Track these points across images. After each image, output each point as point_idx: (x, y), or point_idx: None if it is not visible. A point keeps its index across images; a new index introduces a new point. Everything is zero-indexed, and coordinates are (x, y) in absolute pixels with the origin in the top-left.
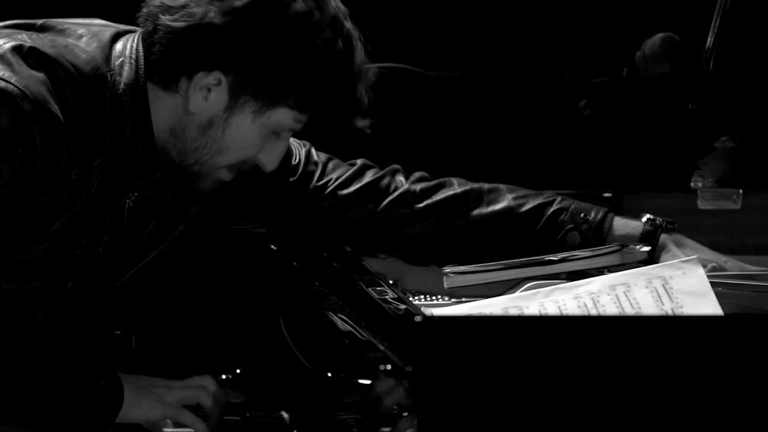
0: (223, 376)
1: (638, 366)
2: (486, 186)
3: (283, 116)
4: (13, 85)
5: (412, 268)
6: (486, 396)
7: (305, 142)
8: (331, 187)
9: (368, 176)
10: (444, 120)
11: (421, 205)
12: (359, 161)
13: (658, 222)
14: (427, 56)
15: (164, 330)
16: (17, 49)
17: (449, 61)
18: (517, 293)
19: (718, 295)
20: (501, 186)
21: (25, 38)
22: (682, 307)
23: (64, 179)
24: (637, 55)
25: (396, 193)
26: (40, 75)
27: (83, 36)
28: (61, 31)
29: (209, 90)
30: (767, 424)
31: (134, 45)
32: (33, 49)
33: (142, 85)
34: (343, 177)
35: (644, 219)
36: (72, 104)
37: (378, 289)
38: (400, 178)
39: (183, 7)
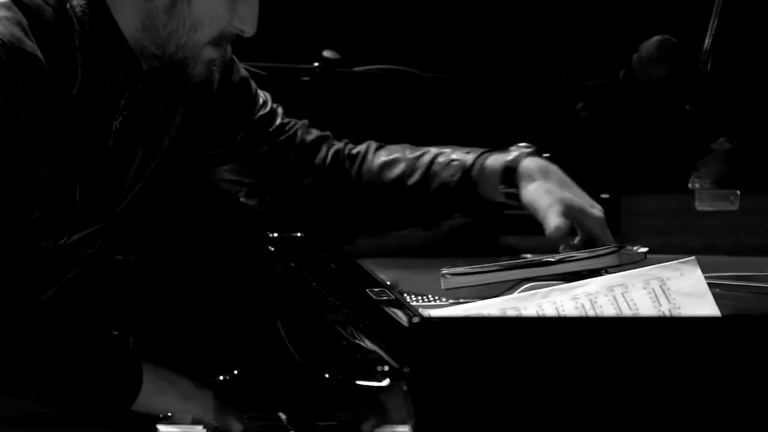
0: (221, 377)
1: (636, 367)
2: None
3: None
4: None
5: (410, 270)
6: (484, 397)
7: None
8: (292, 129)
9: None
10: (440, 122)
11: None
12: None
13: (525, 150)
14: (422, 58)
15: (162, 331)
16: None
17: (445, 62)
18: (515, 294)
19: (715, 296)
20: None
21: None
22: (679, 308)
23: (50, 117)
24: (633, 57)
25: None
26: (12, 14)
27: None
28: None
29: None
30: (765, 426)
31: None
32: None
33: (99, 1)
34: (302, 123)
35: (513, 148)
36: (47, 39)
37: (375, 290)
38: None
39: None
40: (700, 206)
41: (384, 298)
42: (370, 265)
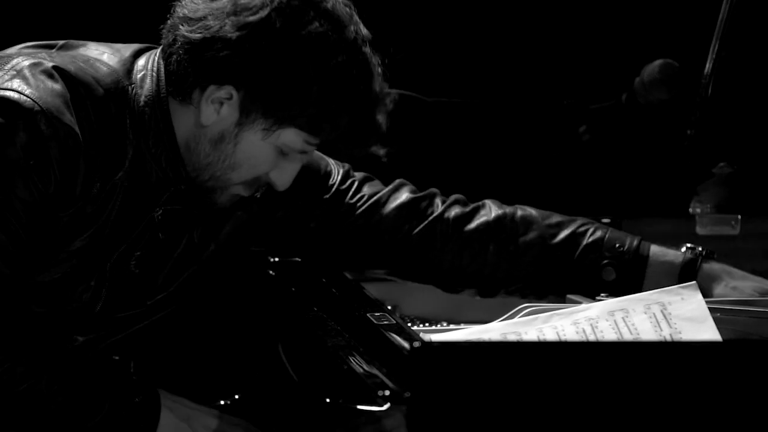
0: (222, 402)
1: (637, 392)
2: (519, 213)
3: (293, 137)
4: (27, 97)
5: (410, 294)
6: (485, 422)
7: (345, 164)
8: (366, 205)
9: (405, 195)
10: (442, 146)
11: (454, 233)
12: (396, 181)
13: (698, 251)
14: (425, 82)
15: (163, 355)
16: (35, 65)
17: (447, 86)
18: (516, 319)
19: (716, 321)
20: (534, 213)
21: (45, 56)
22: (680, 332)
23: (85, 193)
24: (635, 81)
25: (431, 218)
26: (58, 87)
27: (105, 52)
28: (83, 50)
29: (221, 104)
30: None
31: (155, 59)
32: (52, 65)
33: (164, 98)
34: (378, 195)
35: (683, 249)
36: (93, 118)
37: (376, 314)
38: (438, 201)
39: (202, 19)
40: (701, 231)
41: (385, 322)
42: (370, 289)
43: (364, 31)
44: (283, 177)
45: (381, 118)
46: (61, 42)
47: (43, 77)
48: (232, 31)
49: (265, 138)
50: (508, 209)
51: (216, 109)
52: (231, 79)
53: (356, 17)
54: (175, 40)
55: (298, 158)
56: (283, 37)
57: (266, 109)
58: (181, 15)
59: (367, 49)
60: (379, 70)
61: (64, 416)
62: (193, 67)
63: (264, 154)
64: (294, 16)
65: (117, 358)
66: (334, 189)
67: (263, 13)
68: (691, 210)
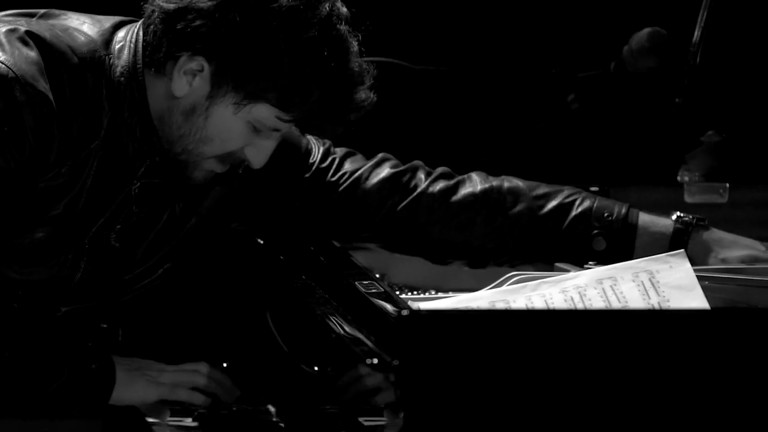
0: None
1: (625, 360)
2: (506, 184)
3: (265, 112)
4: (1, 63)
5: (398, 263)
6: (473, 390)
7: (326, 141)
8: (347, 182)
9: (386, 170)
10: (430, 114)
11: (440, 206)
12: (379, 155)
13: (688, 220)
14: (413, 50)
15: (151, 323)
16: (11, 32)
17: (436, 54)
18: (504, 287)
19: (704, 289)
20: (521, 184)
21: (23, 23)
22: (668, 300)
23: (60, 161)
24: (624, 49)
25: (416, 192)
26: (32, 54)
27: (85, 22)
28: (63, 19)
29: (194, 76)
30: (752, 418)
31: (135, 31)
32: (28, 32)
33: (140, 69)
34: (360, 171)
35: (674, 217)
36: (68, 85)
37: (365, 282)
38: (421, 175)
39: None
40: (690, 199)
41: (373, 290)
42: (358, 257)
43: (342, 9)
44: (259, 155)
45: (361, 95)
46: (42, 11)
47: (18, 44)
48: (204, 2)
49: (236, 112)
50: (495, 181)
51: (188, 81)
52: (202, 50)
53: None
54: (153, 11)
55: (272, 135)
56: (254, 10)
57: (237, 82)
58: None
59: (343, 27)
60: (356, 48)
61: (23, 384)
62: (167, 37)
63: (235, 128)
64: None
65: (105, 326)
66: (314, 167)
67: None
68: (679, 178)
